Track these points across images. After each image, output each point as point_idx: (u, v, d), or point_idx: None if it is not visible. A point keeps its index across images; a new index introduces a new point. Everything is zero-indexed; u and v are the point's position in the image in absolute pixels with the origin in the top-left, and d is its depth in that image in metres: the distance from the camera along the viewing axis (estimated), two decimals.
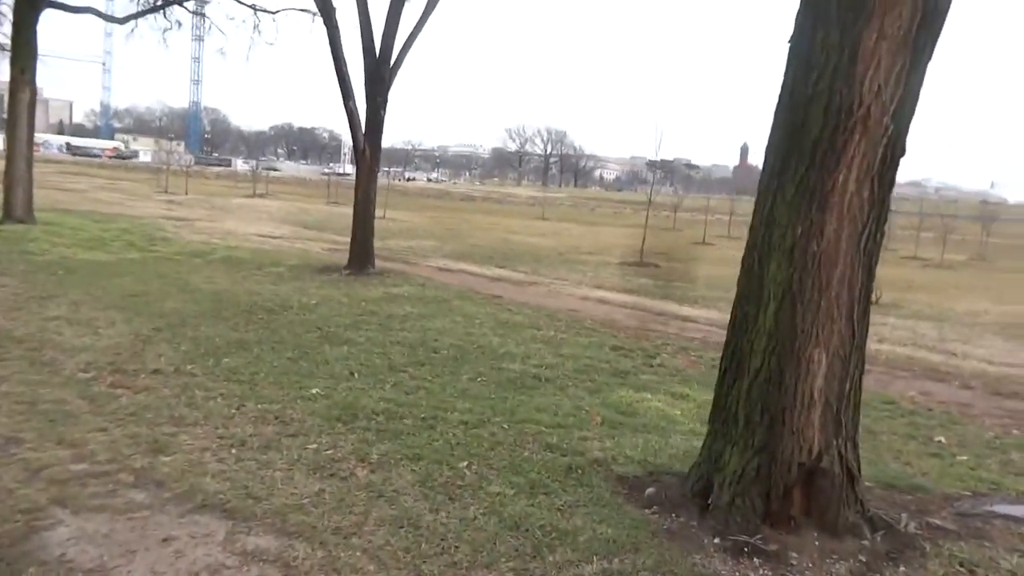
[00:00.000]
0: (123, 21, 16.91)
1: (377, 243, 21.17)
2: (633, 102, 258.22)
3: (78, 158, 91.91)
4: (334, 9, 11.25)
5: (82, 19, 14.47)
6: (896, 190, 4.11)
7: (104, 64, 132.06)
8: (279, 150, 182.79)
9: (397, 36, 11.47)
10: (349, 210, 35.01)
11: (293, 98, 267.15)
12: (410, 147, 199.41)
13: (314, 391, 5.68)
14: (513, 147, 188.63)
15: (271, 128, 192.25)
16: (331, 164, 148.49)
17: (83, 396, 5.19)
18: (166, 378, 5.75)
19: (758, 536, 3.62)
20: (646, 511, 3.94)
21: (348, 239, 19.56)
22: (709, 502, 3.88)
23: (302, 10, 17.60)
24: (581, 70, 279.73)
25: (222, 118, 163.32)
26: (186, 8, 17.78)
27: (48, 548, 3.22)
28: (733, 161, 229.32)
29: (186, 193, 36.19)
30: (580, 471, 4.43)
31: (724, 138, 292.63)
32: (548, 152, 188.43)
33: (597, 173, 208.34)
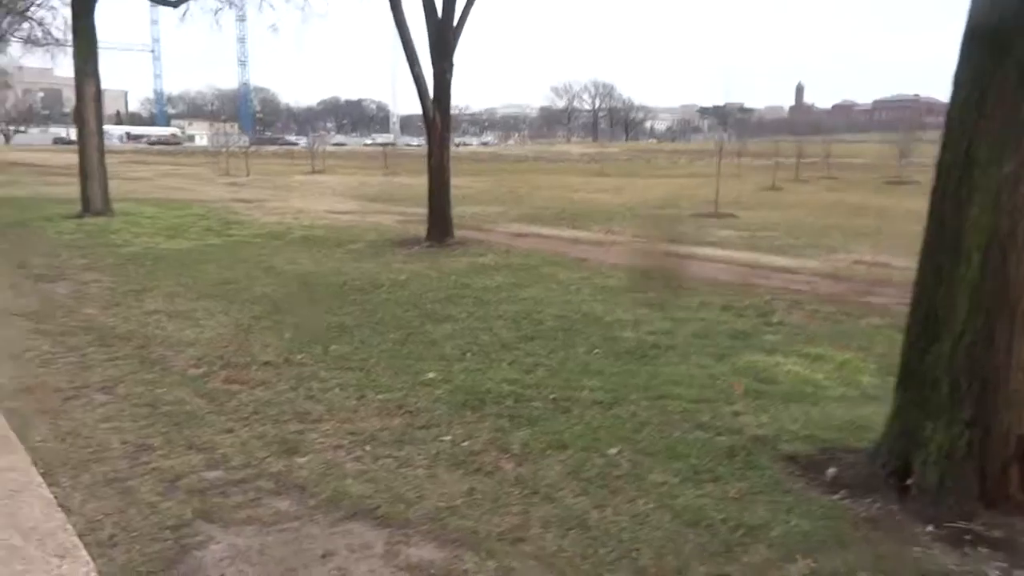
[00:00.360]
0: (176, 4, 16.79)
1: None
2: (679, 47, 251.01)
3: (138, 145, 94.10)
4: None
5: (128, 6, 14.37)
6: None
7: (153, 52, 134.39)
8: (328, 124, 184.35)
9: None
10: (408, 180, 34.98)
11: (339, 71, 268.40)
12: (457, 112, 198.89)
13: (430, 375, 5.39)
14: (561, 104, 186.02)
15: (319, 103, 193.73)
16: (373, 135, 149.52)
17: (200, 394, 5.00)
18: (278, 370, 5.54)
19: (980, 521, 3.18)
20: (833, 496, 3.53)
21: (416, 209, 19.31)
22: (910, 483, 3.44)
23: None
24: (623, 17, 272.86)
25: (271, 96, 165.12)
26: None
27: (205, 570, 2.99)
28: (787, 101, 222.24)
29: (248, 175, 36.50)
30: (744, 452, 4.03)
31: (776, 78, 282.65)
32: (596, 107, 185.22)
33: (648, 124, 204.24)
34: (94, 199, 14.59)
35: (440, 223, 11.64)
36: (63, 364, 5.67)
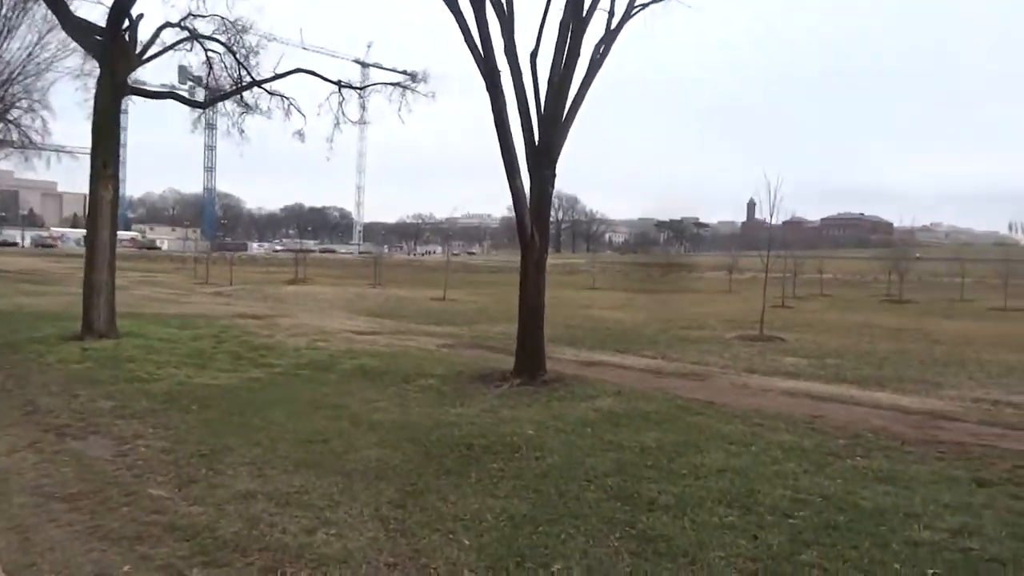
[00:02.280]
0: (205, 106, 15.37)
1: (472, 331, 19.23)
2: (635, 161, 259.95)
3: None
4: (499, 73, 9.47)
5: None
6: None
7: (118, 156, 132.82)
8: (290, 231, 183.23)
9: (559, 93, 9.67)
10: (402, 292, 33.34)
11: (301, 178, 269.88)
12: (420, 221, 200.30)
13: None
14: None
15: (282, 209, 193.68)
16: (323, 241, 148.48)
17: None
18: None
19: None
20: None
21: (447, 329, 17.59)
22: None
23: (396, 84, 15.99)
24: (582, 132, 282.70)
25: (234, 202, 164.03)
26: (265, 89, 16.19)
27: None
28: (738, 217, 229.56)
29: (231, 284, 34.45)
30: None
31: (725, 195, 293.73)
32: (560, 218, 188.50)
33: (606, 236, 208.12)
34: (97, 319, 12.51)
35: (532, 356, 9.88)
36: None
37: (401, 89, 16.16)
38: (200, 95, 16.00)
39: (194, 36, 15.34)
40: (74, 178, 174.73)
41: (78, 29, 13.03)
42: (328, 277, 46.97)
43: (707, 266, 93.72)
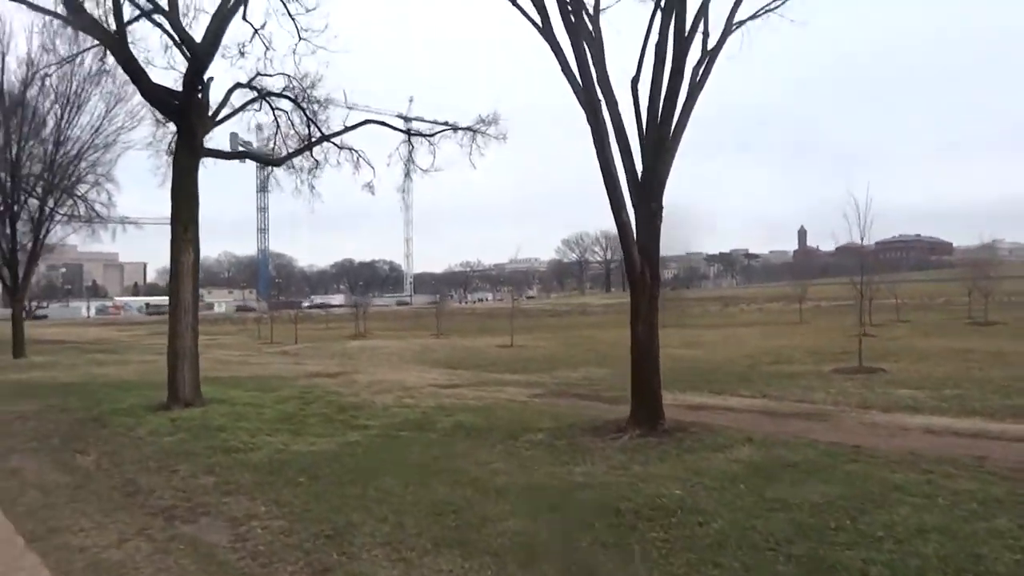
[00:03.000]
0: (279, 163, 15.21)
1: (552, 377, 18.44)
2: (678, 194, 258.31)
3: (161, 315, 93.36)
4: (600, 102, 8.94)
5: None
6: None
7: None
8: (341, 286, 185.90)
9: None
10: (465, 342, 32.80)
11: (347, 233, 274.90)
12: (468, 269, 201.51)
13: None
14: (572, 257, 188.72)
15: (332, 265, 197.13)
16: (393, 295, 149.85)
17: None
18: None
19: None
20: None
21: (521, 376, 16.88)
22: None
23: (467, 128, 15.64)
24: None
25: (287, 261, 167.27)
26: (334, 143, 16.01)
27: None
28: (790, 246, 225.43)
29: (296, 342, 34.40)
30: None
31: (776, 224, 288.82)
32: (608, 259, 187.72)
33: None
34: (183, 386, 12.15)
35: (649, 404, 9.10)
36: None
37: (472, 133, 15.81)
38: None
39: (263, 95, 15.27)
40: (133, 248, 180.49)
41: (155, 95, 12.98)
42: (390, 330, 46.81)
43: (764, 297, 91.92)
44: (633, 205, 9.13)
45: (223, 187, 25.08)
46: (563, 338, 34.02)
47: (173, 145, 13.94)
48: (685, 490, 6.67)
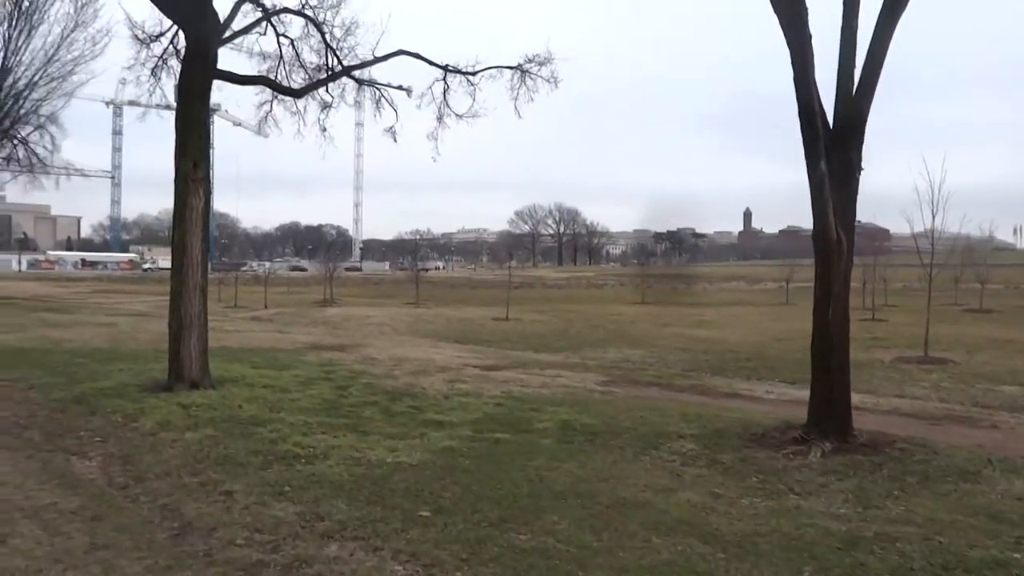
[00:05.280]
0: (300, 94, 12.57)
1: (582, 357, 16.22)
2: (630, 173, 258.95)
3: (96, 272, 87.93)
4: (807, 9, 6.75)
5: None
6: None
7: (114, 178, 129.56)
8: (286, 250, 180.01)
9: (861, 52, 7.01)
10: (450, 312, 30.46)
11: (296, 196, 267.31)
12: (417, 237, 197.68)
13: None
14: (525, 228, 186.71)
15: (277, 228, 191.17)
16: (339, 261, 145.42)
17: None
18: None
19: None
20: None
21: (551, 356, 14.79)
22: None
23: (516, 67, 13.31)
24: (577, 144, 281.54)
25: (230, 222, 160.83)
26: (354, 78, 13.44)
27: None
28: (734, 227, 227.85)
29: (266, 307, 31.52)
30: None
31: (720, 205, 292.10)
32: (561, 231, 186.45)
33: (604, 249, 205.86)
34: (189, 364, 9.63)
35: (837, 408, 7.07)
36: None
37: (520, 73, 13.47)
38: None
39: (274, 13, 12.63)
40: (66, 201, 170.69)
41: None
42: (356, 296, 44.07)
43: (719, 276, 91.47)
44: (825, 158, 7.02)
45: (155, 138, 21.73)
46: (554, 313, 32.01)
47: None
48: (1001, 554, 4.68)
